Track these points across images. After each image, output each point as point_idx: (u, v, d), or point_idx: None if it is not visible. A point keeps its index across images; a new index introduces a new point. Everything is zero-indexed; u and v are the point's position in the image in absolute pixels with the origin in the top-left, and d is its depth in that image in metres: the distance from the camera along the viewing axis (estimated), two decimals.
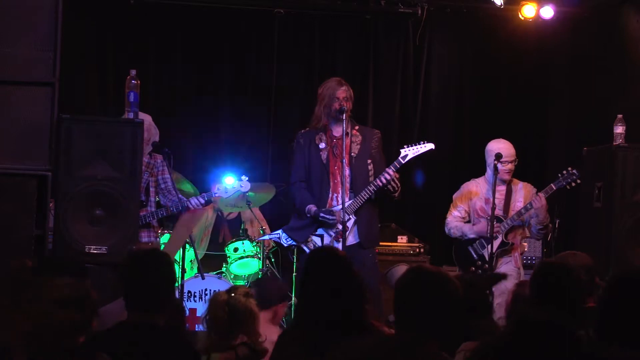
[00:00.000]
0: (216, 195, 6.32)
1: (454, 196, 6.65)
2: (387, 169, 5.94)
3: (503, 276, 5.53)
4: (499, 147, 6.43)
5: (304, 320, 3.50)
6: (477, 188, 6.54)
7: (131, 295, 3.27)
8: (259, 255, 7.17)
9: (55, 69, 4.85)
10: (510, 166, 6.41)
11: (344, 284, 3.42)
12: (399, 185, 6.00)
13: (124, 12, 8.23)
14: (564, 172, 6.27)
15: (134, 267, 3.33)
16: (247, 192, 6.62)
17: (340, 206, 5.88)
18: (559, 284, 3.69)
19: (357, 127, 6.15)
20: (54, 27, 4.86)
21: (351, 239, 5.95)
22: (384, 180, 5.91)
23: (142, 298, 3.24)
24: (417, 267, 3.05)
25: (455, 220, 6.57)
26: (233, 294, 4.11)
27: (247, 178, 6.39)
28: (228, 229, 7.82)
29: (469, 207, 6.55)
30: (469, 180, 6.73)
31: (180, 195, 6.01)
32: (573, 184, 6.25)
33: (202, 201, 6.12)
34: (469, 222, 6.55)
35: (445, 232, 6.68)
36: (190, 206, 5.98)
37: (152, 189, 5.98)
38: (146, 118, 5.74)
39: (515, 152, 6.46)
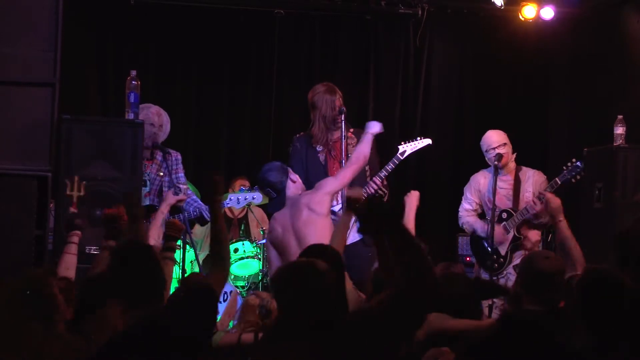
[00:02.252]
0: (228, 205, 6.29)
1: (465, 188, 6.66)
2: (374, 179, 5.99)
3: (503, 291, 5.40)
4: (485, 139, 6.46)
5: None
6: (484, 180, 6.54)
7: (122, 292, 3.23)
8: (259, 256, 7.18)
9: (56, 69, 4.85)
10: (498, 151, 6.37)
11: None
12: (385, 192, 6.06)
13: (124, 12, 8.23)
14: (568, 164, 6.20)
15: (117, 262, 3.29)
16: (259, 203, 6.61)
17: (339, 207, 5.89)
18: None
19: (351, 130, 6.19)
20: (55, 27, 4.86)
21: (352, 238, 5.95)
22: (372, 191, 5.97)
23: (137, 293, 3.19)
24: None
25: (466, 213, 6.57)
26: (262, 298, 4.22)
27: (258, 189, 6.38)
28: (238, 227, 7.84)
29: (479, 199, 6.54)
30: (468, 181, 6.73)
31: (199, 201, 5.97)
32: (578, 177, 6.18)
33: None
34: (481, 214, 6.55)
35: (441, 230, 6.67)
36: (204, 217, 5.95)
37: (165, 189, 5.92)
38: (154, 108, 5.79)
39: (505, 138, 6.43)
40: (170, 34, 8.48)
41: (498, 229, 6.33)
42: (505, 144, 6.43)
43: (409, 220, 4.96)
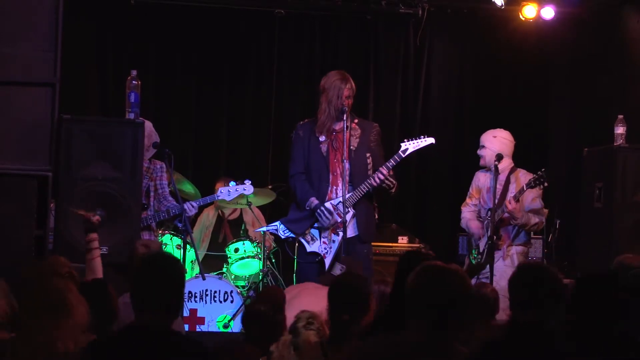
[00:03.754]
0: (219, 197, 6.29)
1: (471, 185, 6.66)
2: (380, 169, 5.91)
3: (481, 266, 5.51)
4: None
5: None
6: (484, 177, 6.52)
7: (142, 297, 3.23)
8: (260, 256, 7.17)
9: (56, 69, 4.84)
10: (478, 151, 6.42)
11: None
12: (394, 182, 5.99)
13: (124, 12, 8.24)
14: (538, 172, 6.20)
15: (147, 269, 3.30)
16: (249, 194, 6.61)
17: (339, 199, 5.88)
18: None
19: (356, 121, 6.12)
20: (55, 27, 4.85)
21: (350, 232, 5.93)
22: (378, 181, 5.90)
23: (154, 300, 3.20)
24: (428, 265, 3.05)
25: (466, 208, 6.56)
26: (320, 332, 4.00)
27: (250, 182, 6.38)
28: (229, 229, 7.83)
29: (479, 195, 6.54)
30: (468, 181, 6.73)
31: (173, 202, 5.99)
32: (542, 187, 6.19)
33: (195, 205, 6.11)
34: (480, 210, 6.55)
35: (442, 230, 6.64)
36: (186, 211, 5.96)
37: (152, 193, 5.97)
38: (147, 124, 5.76)
39: (487, 140, 6.41)
40: (170, 34, 8.49)
41: (479, 223, 6.36)
42: (483, 146, 6.43)
43: None
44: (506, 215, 6.21)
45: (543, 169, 6.13)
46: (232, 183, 6.36)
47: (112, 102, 8.13)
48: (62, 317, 3.18)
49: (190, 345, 3.21)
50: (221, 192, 6.27)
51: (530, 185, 6.11)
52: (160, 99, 8.37)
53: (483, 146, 6.44)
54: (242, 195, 6.74)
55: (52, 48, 4.85)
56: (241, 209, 7.75)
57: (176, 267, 3.32)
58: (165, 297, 3.19)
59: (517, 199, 6.16)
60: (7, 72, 4.83)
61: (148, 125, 5.78)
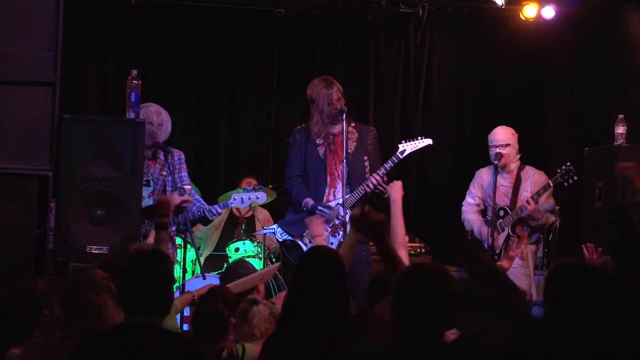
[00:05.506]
0: (232, 205, 6.27)
1: (470, 183, 6.62)
2: (372, 176, 5.93)
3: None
4: (491, 134, 6.43)
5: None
6: (488, 176, 6.49)
7: (129, 295, 3.23)
8: (260, 255, 7.17)
9: (56, 69, 4.85)
10: (498, 150, 6.35)
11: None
12: (387, 188, 6.00)
13: (124, 12, 8.24)
14: (563, 167, 6.18)
15: (134, 267, 3.29)
16: (263, 202, 6.60)
17: (336, 201, 5.88)
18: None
19: (353, 124, 6.13)
20: (55, 27, 4.86)
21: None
22: (371, 186, 5.91)
23: (143, 299, 3.19)
24: (417, 264, 3.10)
25: (469, 209, 6.52)
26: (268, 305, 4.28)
27: (263, 189, 6.39)
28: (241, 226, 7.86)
29: (482, 194, 6.51)
30: (469, 181, 6.71)
31: (202, 201, 5.94)
32: (570, 181, 6.16)
33: (220, 210, 6.07)
34: (484, 209, 6.51)
35: (441, 229, 6.59)
36: (207, 217, 5.93)
37: (168, 190, 5.89)
38: (153, 107, 5.84)
39: (509, 138, 6.38)
40: (170, 34, 8.49)
41: (487, 229, 6.32)
42: (508, 144, 6.38)
43: (396, 212, 4.75)
44: (524, 215, 6.18)
45: (569, 163, 6.10)
46: (245, 190, 6.34)
47: (112, 101, 8.13)
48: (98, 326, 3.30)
49: (181, 342, 3.21)
50: (235, 199, 6.23)
51: (557, 180, 6.08)
52: (160, 98, 8.30)
53: (508, 144, 6.37)
54: None
55: (52, 48, 4.86)
56: (253, 209, 7.77)
57: (163, 264, 3.28)
58: (153, 295, 3.16)
59: (536, 199, 6.13)
60: (7, 72, 4.84)
61: (161, 110, 5.79)
